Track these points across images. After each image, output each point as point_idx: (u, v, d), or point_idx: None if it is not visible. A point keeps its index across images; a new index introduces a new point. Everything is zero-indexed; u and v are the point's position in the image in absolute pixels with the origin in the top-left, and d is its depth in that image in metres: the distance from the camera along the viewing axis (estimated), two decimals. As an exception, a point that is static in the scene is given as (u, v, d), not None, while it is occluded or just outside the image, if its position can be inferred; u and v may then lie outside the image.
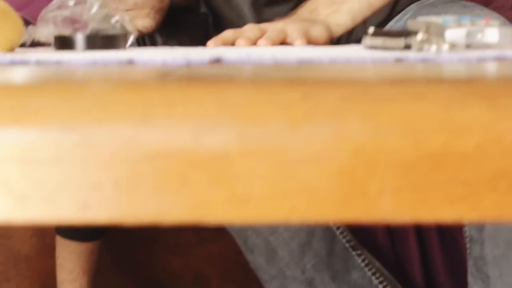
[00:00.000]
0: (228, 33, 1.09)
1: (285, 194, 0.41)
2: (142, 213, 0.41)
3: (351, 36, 1.31)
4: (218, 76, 0.47)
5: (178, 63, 0.61)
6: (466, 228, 1.26)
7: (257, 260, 1.40)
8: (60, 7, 0.89)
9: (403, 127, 0.41)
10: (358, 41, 0.96)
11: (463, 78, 0.44)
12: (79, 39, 0.80)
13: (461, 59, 0.61)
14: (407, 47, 0.72)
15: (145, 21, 1.30)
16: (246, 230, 1.38)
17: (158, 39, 1.47)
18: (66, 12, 0.89)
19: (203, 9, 1.41)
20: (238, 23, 1.41)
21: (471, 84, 0.43)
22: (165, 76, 0.49)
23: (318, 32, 1.13)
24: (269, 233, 1.37)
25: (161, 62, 0.61)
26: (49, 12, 0.90)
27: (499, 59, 0.62)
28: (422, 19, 0.82)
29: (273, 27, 1.10)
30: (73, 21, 0.89)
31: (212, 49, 0.69)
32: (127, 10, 1.26)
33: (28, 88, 0.44)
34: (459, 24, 0.75)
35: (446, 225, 1.39)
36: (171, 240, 1.65)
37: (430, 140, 0.41)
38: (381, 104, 0.42)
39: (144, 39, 1.46)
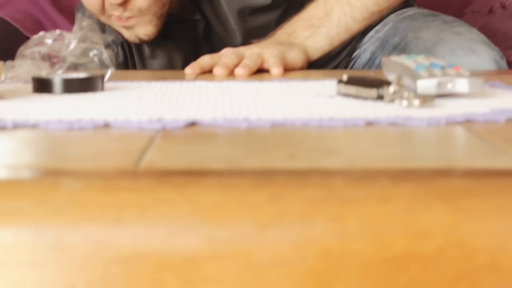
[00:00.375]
0: (205, 59, 1.10)
1: (254, 297, 0.42)
2: (115, 316, 0.42)
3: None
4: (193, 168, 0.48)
5: (153, 127, 0.62)
6: None
7: None
8: (38, 43, 0.90)
9: (368, 230, 0.43)
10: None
11: (428, 174, 0.45)
12: (57, 82, 0.81)
13: (430, 122, 0.62)
14: (380, 97, 0.73)
15: (147, 28, 1.31)
16: None
17: (146, 49, 1.48)
18: (44, 49, 0.90)
19: (198, 16, 1.42)
20: (224, 32, 1.42)
21: (434, 184, 0.44)
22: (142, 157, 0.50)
23: (295, 56, 1.14)
24: None
25: (137, 127, 0.62)
26: (27, 48, 0.90)
27: (468, 121, 0.64)
28: (396, 60, 0.84)
29: (250, 52, 1.11)
30: (51, 57, 0.90)
31: (188, 109, 0.70)
32: (131, 17, 1.27)
33: (2, 187, 0.45)
34: (430, 72, 0.76)
35: None
36: None
37: (394, 243, 0.42)
38: (347, 207, 0.43)
39: (131, 49, 1.47)
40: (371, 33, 1.56)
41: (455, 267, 0.42)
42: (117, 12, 1.27)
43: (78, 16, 0.90)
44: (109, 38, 0.91)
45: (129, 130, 0.62)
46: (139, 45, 1.47)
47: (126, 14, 1.27)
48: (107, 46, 0.92)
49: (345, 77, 0.78)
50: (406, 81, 0.78)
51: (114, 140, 0.58)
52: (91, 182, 0.45)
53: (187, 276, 0.42)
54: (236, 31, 1.41)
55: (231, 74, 1.06)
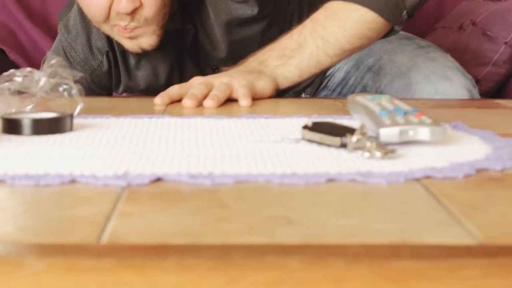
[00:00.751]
0: (174, 89, 1.11)
1: None
2: None
3: None
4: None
5: (119, 184, 0.63)
6: None
7: None
8: (8, 80, 0.90)
9: (321, 314, 0.44)
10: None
11: (381, 254, 0.47)
12: (26, 123, 0.82)
13: (389, 179, 0.64)
14: (343, 145, 0.75)
15: (151, 38, 1.33)
16: None
17: (131, 59, 1.49)
18: (14, 85, 0.90)
19: (190, 25, 1.44)
20: (209, 44, 1.44)
21: (386, 266, 0.46)
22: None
23: (264, 85, 1.15)
24: None
25: (103, 183, 0.63)
26: (-3, 85, 0.91)
27: (426, 177, 0.65)
28: (360, 101, 0.85)
29: (220, 82, 1.12)
30: (21, 93, 0.91)
31: (154, 160, 0.71)
32: (136, 27, 1.28)
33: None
34: (393, 119, 0.78)
35: None
36: None
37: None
38: (301, 290, 0.45)
39: (117, 59, 1.48)
40: None
41: None
42: (123, 22, 1.28)
43: (48, 54, 0.91)
44: (79, 74, 0.92)
45: (95, 187, 0.63)
46: (125, 55, 1.48)
47: (133, 24, 1.29)
48: (77, 81, 0.92)
49: (310, 123, 0.79)
50: (369, 124, 0.80)
51: (79, 203, 0.59)
52: (54, 262, 0.46)
53: None
54: (222, 43, 1.43)
55: (200, 105, 1.07)
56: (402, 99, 1.14)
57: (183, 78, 1.46)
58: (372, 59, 1.51)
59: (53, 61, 0.90)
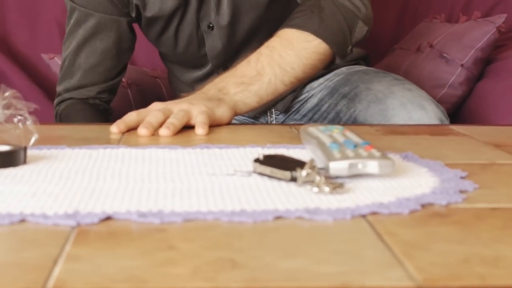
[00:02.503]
0: (131, 116, 1.12)
1: None
2: None
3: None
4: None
5: (69, 224, 0.63)
6: None
7: None
8: (-39, 112, 0.90)
9: None
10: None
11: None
12: (-22, 157, 0.82)
13: (335, 216, 0.65)
14: (293, 179, 0.76)
15: None
16: None
17: None
18: (-33, 117, 0.90)
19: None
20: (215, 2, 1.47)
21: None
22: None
23: (222, 112, 1.17)
24: None
25: (52, 222, 0.64)
26: (-50, 117, 0.91)
27: (372, 213, 0.67)
28: (313, 132, 0.87)
29: (178, 109, 1.13)
30: (-26, 125, 0.91)
31: (105, 197, 0.71)
32: None
33: None
34: (343, 152, 0.79)
35: None
36: None
37: None
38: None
39: None
40: (321, 80, 1.61)
41: None
42: None
43: (2, 86, 0.91)
44: (33, 105, 0.92)
45: (45, 226, 0.63)
46: None
47: None
48: (31, 112, 0.93)
49: (261, 156, 0.80)
50: (320, 156, 0.81)
51: (28, 245, 0.59)
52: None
53: None
54: (226, 3, 1.47)
55: (155, 133, 1.08)
56: (372, 125, 1.16)
57: (182, 21, 1.50)
58: (348, 87, 1.54)
59: (7, 93, 0.90)
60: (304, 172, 0.75)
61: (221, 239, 0.60)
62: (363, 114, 1.45)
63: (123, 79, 1.91)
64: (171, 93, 1.91)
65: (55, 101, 1.61)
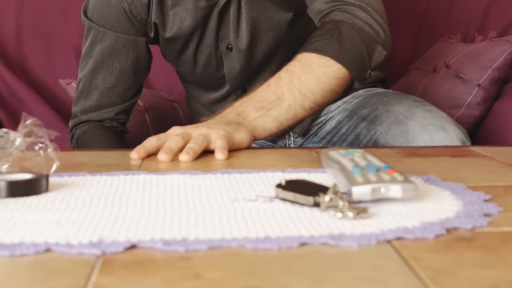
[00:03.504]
0: (151, 141, 1.12)
1: None
2: None
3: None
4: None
5: (93, 252, 0.63)
6: None
7: None
8: (-17, 140, 0.91)
9: None
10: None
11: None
12: (1, 186, 0.82)
13: (360, 242, 0.65)
14: (316, 204, 0.75)
15: None
16: None
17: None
18: (-11, 146, 0.91)
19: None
20: (234, 21, 1.48)
21: None
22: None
23: (242, 137, 1.17)
24: None
25: (77, 252, 0.64)
26: (-28, 145, 0.91)
27: (397, 239, 0.66)
28: (334, 156, 0.87)
29: (197, 133, 1.13)
30: (-4, 154, 0.91)
31: (128, 225, 0.71)
32: None
33: None
34: (365, 177, 0.79)
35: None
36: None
37: None
38: None
39: None
40: (339, 103, 1.61)
41: None
42: None
43: (23, 114, 0.91)
44: (54, 133, 0.93)
45: (70, 255, 0.63)
46: None
47: None
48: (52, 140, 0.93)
49: (283, 182, 0.80)
50: (342, 180, 0.81)
51: (53, 275, 0.59)
52: None
53: None
54: (245, 25, 1.49)
55: (175, 158, 1.08)
56: (392, 147, 1.16)
57: (201, 42, 1.52)
58: (367, 109, 1.54)
59: (28, 121, 0.91)
60: (327, 197, 0.74)
61: (247, 267, 0.60)
62: (384, 137, 1.44)
63: (140, 103, 1.92)
64: (189, 117, 1.91)
65: (71, 123, 1.61)
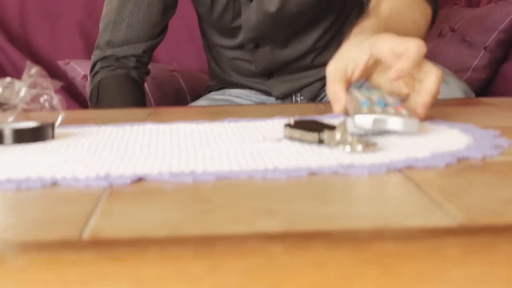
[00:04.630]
0: None
1: None
2: None
3: None
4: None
5: (100, 185, 0.63)
6: None
7: None
8: (-13, 91, 0.90)
9: (304, 298, 0.44)
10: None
11: (363, 237, 0.47)
12: (7, 132, 0.82)
13: (371, 170, 0.64)
14: (321, 141, 0.75)
15: None
16: None
17: None
18: (-6, 97, 0.90)
19: None
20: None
21: (368, 248, 0.46)
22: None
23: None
24: None
25: (84, 184, 0.63)
26: (-23, 97, 0.90)
27: (408, 167, 0.65)
28: (355, 93, 0.86)
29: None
30: (2, 105, 0.90)
31: (135, 161, 0.70)
32: None
33: None
34: (371, 109, 0.78)
35: None
36: None
37: (330, 310, 0.44)
38: (284, 275, 0.45)
39: None
40: None
41: (389, 331, 0.44)
42: None
43: (27, 63, 0.91)
44: (59, 83, 0.92)
45: (77, 188, 0.62)
46: None
47: None
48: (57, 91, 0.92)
49: (292, 121, 0.79)
50: (351, 113, 0.81)
51: (61, 203, 0.58)
52: (35, 258, 0.46)
53: None
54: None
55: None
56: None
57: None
58: None
59: (33, 71, 0.90)
60: (336, 133, 0.73)
61: (255, 193, 0.59)
62: None
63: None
64: (190, 86, 1.90)
65: (94, 57, 1.57)
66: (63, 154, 0.76)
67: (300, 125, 0.78)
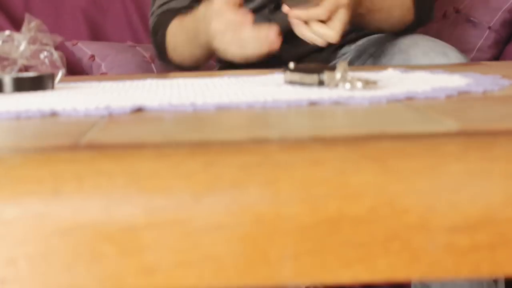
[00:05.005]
0: None
1: (191, 263, 0.43)
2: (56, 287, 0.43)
3: None
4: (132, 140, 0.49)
5: (100, 113, 0.63)
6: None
7: None
8: (-13, 45, 0.90)
9: (300, 193, 0.43)
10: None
11: (359, 138, 0.46)
12: (7, 81, 0.81)
13: (371, 101, 0.63)
14: (321, 83, 0.74)
15: None
16: None
17: None
18: (-6, 50, 0.90)
19: None
20: None
21: (364, 146, 0.45)
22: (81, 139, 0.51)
23: None
24: None
25: (84, 113, 0.63)
26: (-23, 50, 0.90)
27: (409, 98, 0.65)
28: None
29: None
30: (1, 59, 0.90)
31: (136, 98, 0.70)
32: None
33: None
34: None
35: None
36: None
37: (326, 205, 0.43)
38: (280, 171, 0.44)
39: None
40: (353, 46, 1.59)
41: (386, 227, 0.43)
42: None
43: (26, 15, 0.90)
44: (58, 38, 0.92)
45: (77, 118, 0.62)
46: None
47: None
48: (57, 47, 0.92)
49: (291, 65, 0.79)
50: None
51: (59, 124, 0.58)
52: (29, 156, 0.45)
53: (125, 245, 0.43)
54: None
55: None
56: (395, 66, 1.14)
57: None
58: (375, 47, 1.52)
59: (32, 24, 0.90)
60: (337, 74, 0.73)
61: (254, 115, 0.59)
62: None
63: (146, 55, 1.91)
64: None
65: (152, 21, 1.58)
66: (63, 96, 0.75)
67: (300, 68, 0.78)
